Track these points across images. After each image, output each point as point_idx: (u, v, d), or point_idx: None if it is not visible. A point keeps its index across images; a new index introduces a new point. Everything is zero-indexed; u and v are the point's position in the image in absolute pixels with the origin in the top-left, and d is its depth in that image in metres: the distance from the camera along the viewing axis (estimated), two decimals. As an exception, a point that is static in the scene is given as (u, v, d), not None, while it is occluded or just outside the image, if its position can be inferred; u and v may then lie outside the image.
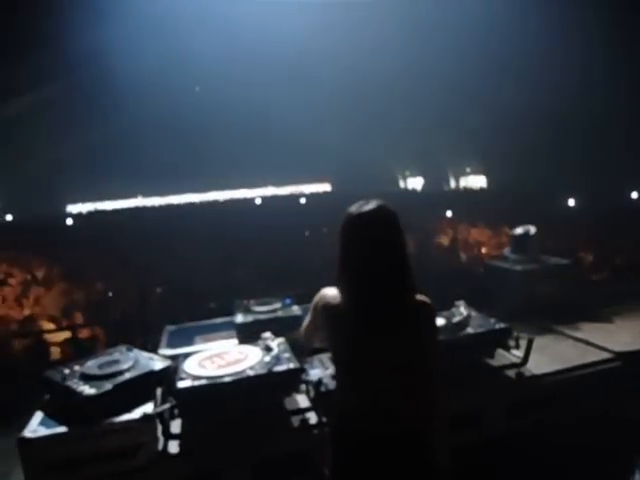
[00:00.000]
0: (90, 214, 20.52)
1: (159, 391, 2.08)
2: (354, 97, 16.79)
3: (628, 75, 9.26)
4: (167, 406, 1.96)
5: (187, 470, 1.91)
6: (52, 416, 1.87)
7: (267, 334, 2.35)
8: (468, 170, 19.92)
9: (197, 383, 1.97)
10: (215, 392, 1.97)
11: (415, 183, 22.16)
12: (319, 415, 2.12)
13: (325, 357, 2.38)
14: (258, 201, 18.99)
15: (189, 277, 7.65)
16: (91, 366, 2.04)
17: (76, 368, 2.03)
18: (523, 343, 2.40)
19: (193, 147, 19.75)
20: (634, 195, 11.14)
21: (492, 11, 9.93)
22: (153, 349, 2.53)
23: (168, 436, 1.97)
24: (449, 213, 11.59)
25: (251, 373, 2.03)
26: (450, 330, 2.34)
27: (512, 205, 10.58)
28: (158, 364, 2.09)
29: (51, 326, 5.31)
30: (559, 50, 9.74)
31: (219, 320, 3.04)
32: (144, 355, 2.18)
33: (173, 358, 2.23)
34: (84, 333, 4.82)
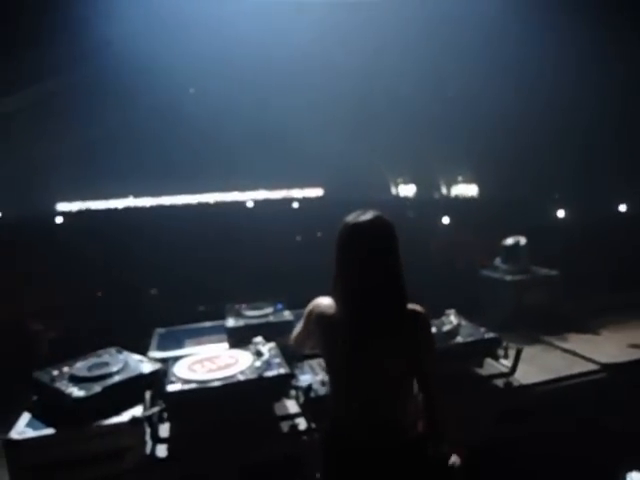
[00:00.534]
0: (80, 213, 20.32)
1: (148, 394, 2.07)
2: (349, 103, 16.85)
3: (622, 85, 9.42)
4: (156, 409, 1.96)
5: (175, 474, 1.91)
6: (40, 418, 1.86)
7: (258, 339, 2.35)
8: (460, 179, 20.06)
9: (187, 387, 1.96)
10: (205, 396, 1.96)
11: (407, 190, 22.27)
12: (308, 421, 2.13)
13: (315, 363, 2.39)
14: (250, 204, 18.95)
15: (178, 279, 7.60)
16: (80, 368, 2.03)
17: (65, 369, 2.02)
18: (512, 353, 2.42)
19: (185, 149, 19.67)
20: (622, 208, 11.28)
21: (489, 19, 10.03)
22: (143, 351, 2.52)
23: (156, 440, 1.96)
24: (444, 220, 11.64)
25: (241, 378, 2.03)
26: (440, 339, 2.35)
27: (503, 214, 10.67)
28: (148, 367, 2.09)
29: (38, 326, 5.25)
30: (556, 60, 9.86)
31: (210, 324, 3.03)
32: (134, 358, 2.17)
33: (163, 361, 2.22)
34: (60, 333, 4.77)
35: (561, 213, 11.73)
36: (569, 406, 2.43)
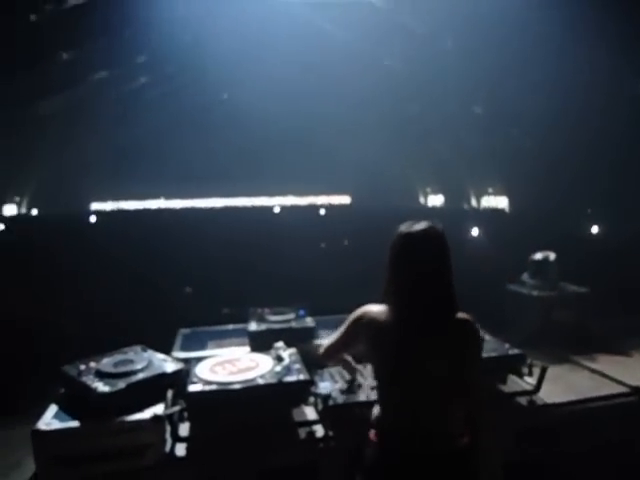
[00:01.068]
0: (113, 212, 20.87)
1: (170, 393, 2.11)
2: (378, 111, 16.83)
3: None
4: (177, 408, 1.99)
5: (192, 474, 1.93)
6: (66, 410, 1.92)
7: (279, 344, 2.36)
8: (490, 190, 19.73)
9: (207, 388, 1.99)
10: (225, 398, 1.99)
11: (435, 200, 22.03)
12: (326, 428, 2.12)
13: (335, 371, 2.38)
14: (277, 210, 19.10)
15: (204, 281, 7.71)
16: (106, 364, 2.09)
17: (92, 365, 2.08)
18: (537, 371, 2.37)
19: (216, 153, 20.01)
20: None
21: (529, 31, 9.87)
22: (167, 351, 2.57)
23: (176, 438, 1.99)
24: (473, 232, 11.45)
25: (261, 382, 2.05)
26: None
27: (532, 228, 10.44)
28: (170, 366, 2.13)
29: (71, 323, 5.40)
30: (589, 73, 9.65)
31: (232, 326, 3.07)
32: (157, 356, 2.22)
33: (185, 361, 2.26)
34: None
35: (594, 229, 11.40)
36: (595, 428, 2.36)
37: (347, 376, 2.27)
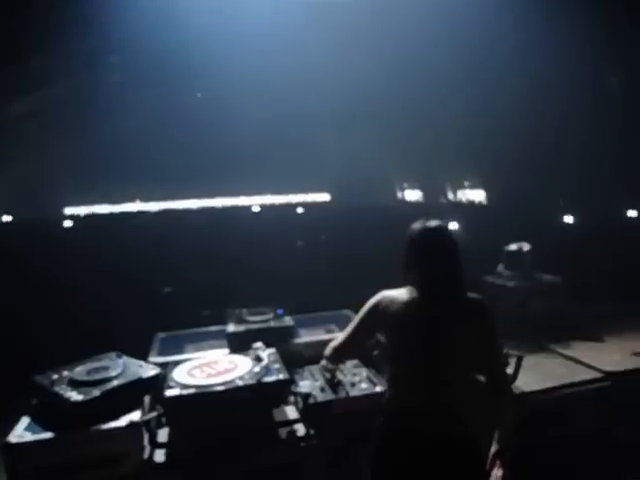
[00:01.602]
0: (87, 217, 20.46)
1: (147, 399, 2.07)
2: (356, 108, 16.86)
3: (627, 86, 9.37)
4: (154, 414, 1.96)
5: (172, 479, 1.90)
6: (39, 421, 1.87)
7: (258, 344, 2.35)
8: (467, 184, 19.98)
9: (185, 392, 1.96)
10: (203, 401, 1.96)
11: (413, 195, 22.21)
12: (307, 427, 2.12)
13: (315, 369, 2.38)
14: (256, 209, 19.00)
15: (183, 283, 7.63)
16: (80, 372, 2.04)
17: (64, 373, 2.03)
18: (513, 360, 2.40)
19: (192, 154, 19.77)
20: (632, 213, 11.17)
21: (498, 29, 10.01)
22: (144, 356, 2.52)
23: (155, 445, 1.96)
24: (450, 225, 11.58)
25: (240, 383, 2.02)
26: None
27: (507, 220, 10.62)
28: (147, 372, 2.09)
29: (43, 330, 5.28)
30: (561, 66, 9.82)
31: (211, 328, 3.03)
32: (133, 362, 2.18)
33: (163, 366, 2.22)
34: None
35: (569, 219, 11.65)
36: (571, 414, 2.41)
37: (327, 374, 2.26)
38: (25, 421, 1.86)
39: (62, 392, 1.89)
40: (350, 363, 2.43)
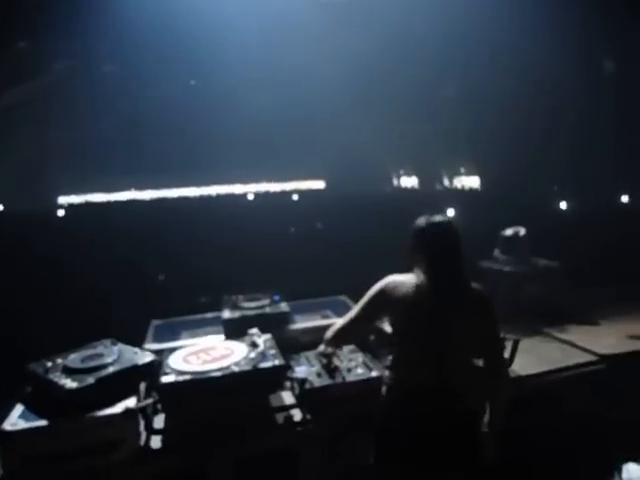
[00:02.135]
0: (81, 206, 20.32)
1: (143, 386, 2.06)
2: (352, 96, 16.72)
3: (619, 76, 9.34)
4: (150, 401, 1.95)
5: (169, 466, 1.90)
6: (33, 409, 1.85)
7: (254, 330, 2.33)
8: (462, 170, 19.95)
9: (181, 378, 1.95)
10: (199, 388, 1.95)
11: (409, 182, 22.16)
12: (304, 412, 2.12)
13: (312, 355, 2.37)
14: (251, 197, 18.92)
15: (180, 270, 7.61)
16: (74, 359, 2.02)
17: (59, 361, 2.01)
18: (509, 344, 2.40)
19: (188, 142, 19.61)
20: (624, 199, 11.21)
21: (493, 14, 9.92)
22: (140, 343, 2.51)
23: (151, 431, 1.95)
24: (446, 212, 11.60)
25: (236, 369, 2.01)
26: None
27: (503, 205, 10.63)
28: (142, 358, 2.07)
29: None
30: (555, 51, 9.76)
31: (207, 315, 3.02)
32: (128, 349, 2.16)
33: (158, 353, 2.21)
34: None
35: (563, 204, 11.68)
36: (567, 397, 2.42)
37: (323, 360, 2.26)
38: (19, 409, 1.85)
39: (56, 380, 1.87)
40: (346, 348, 2.42)
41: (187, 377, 1.96)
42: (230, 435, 1.98)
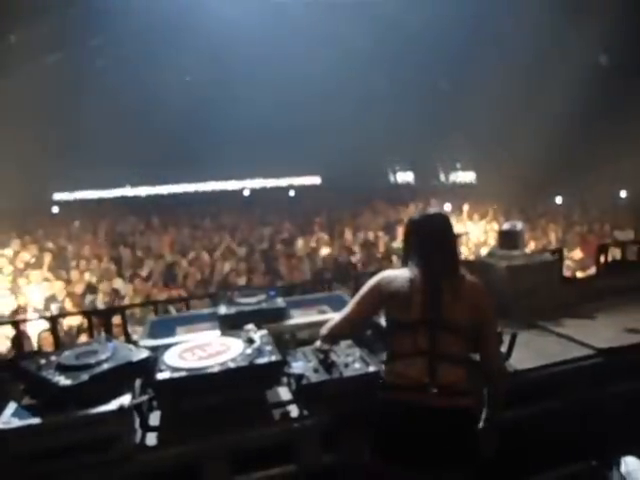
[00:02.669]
0: (76, 202, 20.13)
1: (138, 382, 2.04)
2: (346, 90, 16.65)
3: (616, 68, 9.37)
4: (145, 398, 1.93)
5: (165, 463, 1.88)
6: (26, 407, 1.83)
7: (250, 326, 2.32)
8: (458, 166, 19.95)
9: (176, 375, 1.93)
10: (195, 384, 1.93)
11: (405, 177, 22.13)
12: (300, 408, 2.10)
13: (308, 350, 2.35)
14: (246, 192, 18.84)
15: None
16: (68, 356, 1.99)
17: (52, 358, 1.99)
18: (507, 338, 2.39)
19: (182, 138, 19.46)
20: (622, 194, 11.24)
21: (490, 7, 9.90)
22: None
23: (146, 428, 1.93)
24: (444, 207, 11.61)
25: (232, 365, 1.99)
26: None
27: (502, 201, 10.65)
28: (137, 355, 2.05)
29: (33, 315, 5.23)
30: (551, 47, 9.76)
31: (202, 311, 3.00)
32: (123, 346, 2.14)
33: (153, 349, 2.19)
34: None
35: (558, 199, 11.71)
36: (565, 391, 2.41)
37: (320, 355, 2.24)
38: (12, 407, 1.82)
39: (50, 377, 1.85)
40: (344, 344, 2.40)
41: (183, 374, 1.94)
42: (226, 431, 1.96)
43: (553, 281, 3.28)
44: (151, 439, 1.92)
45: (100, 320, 3.28)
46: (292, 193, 19.04)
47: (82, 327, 4.64)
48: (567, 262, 5.37)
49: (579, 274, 5.28)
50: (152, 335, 2.65)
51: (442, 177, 20.26)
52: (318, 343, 2.12)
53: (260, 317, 2.51)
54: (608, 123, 9.63)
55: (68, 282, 6.76)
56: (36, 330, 4.52)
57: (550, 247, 6.94)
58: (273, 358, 2.05)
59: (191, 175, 21.45)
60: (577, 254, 6.79)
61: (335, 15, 12.81)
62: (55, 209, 16.95)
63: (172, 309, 4.35)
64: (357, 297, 1.98)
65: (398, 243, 7.70)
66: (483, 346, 1.90)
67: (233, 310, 2.64)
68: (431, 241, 1.92)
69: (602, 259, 3.85)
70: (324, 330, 2.03)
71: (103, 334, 2.76)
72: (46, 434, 1.72)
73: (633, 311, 3.04)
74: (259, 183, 22.49)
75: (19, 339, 3.29)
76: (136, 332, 3.24)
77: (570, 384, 2.42)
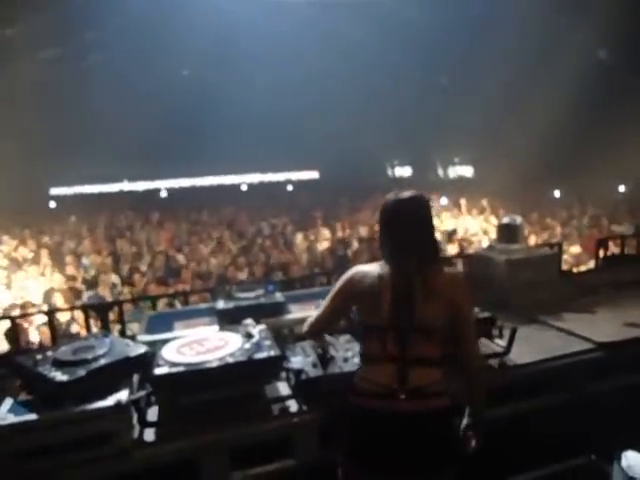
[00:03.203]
0: (74, 197, 20.05)
1: (136, 378, 2.02)
2: (344, 85, 16.58)
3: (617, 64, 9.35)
4: (142, 393, 1.91)
5: (163, 458, 1.87)
6: (23, 403, 1.81)
7: (248, 320, 2.30)
8: (456, 160, 19.92)
9: (175, 370, 1.91)
10: (193, 379, 1.92)
11: (403, 172, 22.09)
12: (299, 403, 2.09)
13: (307, 345, 2.34)
14: (244, 187, 18.79)
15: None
16: (64, 352, 1.97)
17: (49, 354, 1.96)
18: (507, 332, 2.39)
19: (180, 133, 19.36)
20: (621, 188, 11.25)
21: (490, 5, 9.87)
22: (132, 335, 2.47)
23: (144, 424, 1.92)
24: (443, 201, 11.61)
25: (231, 360, 1.98)
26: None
27: (500, 195, 10.64)
28: (134, 350, 2.03)
29: (31, 309, 5.21)
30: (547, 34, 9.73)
31: (200, 306, 2.98)
32: (120, 341, 2.12)
33: (151, 344, 2.17)
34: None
35: (557, 193, 11.70)
36: (564, 385, 2.41)
37: (319, 349, 2.23)
38: (8, 403, 1.80)
39: (46, 372, 1.83)
40: (343, 338, 2.39)
41: (181, 368, 1.92)
42: (225, 427, 1.95)
43: (553, 275, 3.27)
44: (149, 435, 1.90)
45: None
46: (290, 188, 19.00)
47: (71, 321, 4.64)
48: (564, 256, 5.36)
49: (577, 269, 5.29)
50: (150, 330, 2.63)
51: (440, 172, 20.23)
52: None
53: (258, 312, 2.50)
54: (607, 118, 9.63)
55: (66, 277, 6.73)
56: (35, 325, 4.50)
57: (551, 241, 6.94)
58: (272, 353, 2.04)
59: (189, 170, 21.38)
60: (575, 249, 6.78)
61: (334, 13, 12.74)
62: (52, 204, 16.89)
63: (177, 304, 4.30)
64: (331, 292, 1.87)
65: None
66: (461, 343, 1.76)
67: (231, 305, 2.63)
68: (402, 230, 1.72)
69: (601, 253, 3.83)
70: (305, 327, 1.96)
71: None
72: (43, 430, 1.71)
73: (633, 305, 3.04)
74: (257, 178, 22.42)
75: (16, 334, 3.26)
76: (129, 329, 3.23)
77: (570, 378, 2.41)
